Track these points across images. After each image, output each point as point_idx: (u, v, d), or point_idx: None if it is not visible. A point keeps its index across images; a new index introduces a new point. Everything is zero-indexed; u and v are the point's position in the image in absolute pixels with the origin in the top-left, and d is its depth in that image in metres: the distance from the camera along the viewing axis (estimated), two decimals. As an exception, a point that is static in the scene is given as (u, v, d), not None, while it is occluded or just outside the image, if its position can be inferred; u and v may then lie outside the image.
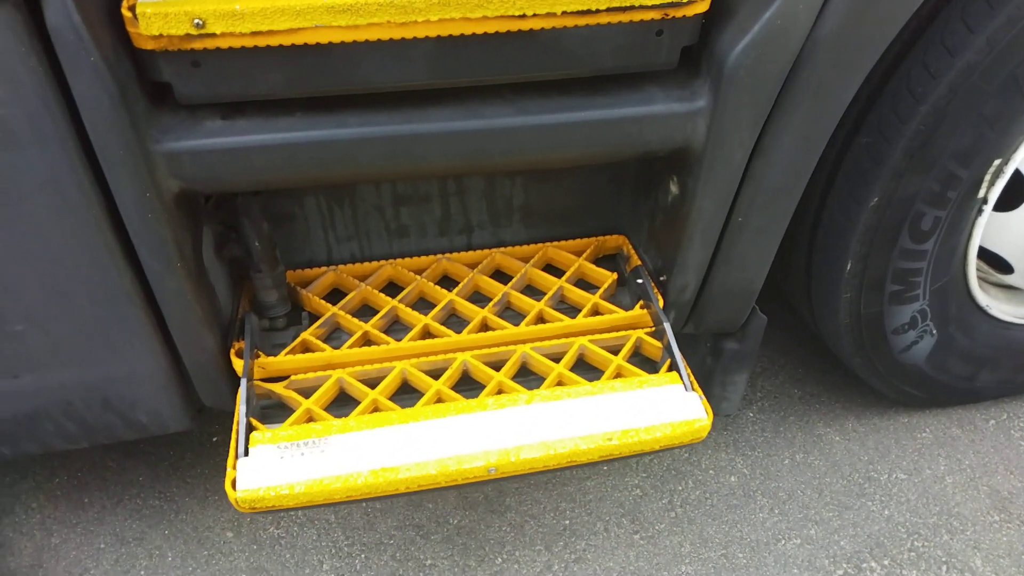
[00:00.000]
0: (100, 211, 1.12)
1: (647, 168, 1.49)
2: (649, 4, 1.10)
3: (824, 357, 2.19)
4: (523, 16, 1.08)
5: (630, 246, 1.63)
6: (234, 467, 1.21)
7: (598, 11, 1.10)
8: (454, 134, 1.18)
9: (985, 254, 1.69)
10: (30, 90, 0.99)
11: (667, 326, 1.42)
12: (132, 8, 1.01)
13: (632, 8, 1.10)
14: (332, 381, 1.36)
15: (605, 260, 1.66)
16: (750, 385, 2.14)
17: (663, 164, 1.40)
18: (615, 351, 1.44)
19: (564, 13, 1.09)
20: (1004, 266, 1.70)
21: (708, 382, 1.70)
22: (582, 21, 1.11)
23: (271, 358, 1.38)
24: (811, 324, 1.84)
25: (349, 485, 1.19)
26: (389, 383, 1.36)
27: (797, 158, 1.28)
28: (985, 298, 1.75)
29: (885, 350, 1.72)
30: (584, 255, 1.60)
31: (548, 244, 1.63)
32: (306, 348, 1.42)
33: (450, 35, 1.09)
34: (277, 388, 1.36)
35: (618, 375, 1.40)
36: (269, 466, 1.21)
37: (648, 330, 1.48)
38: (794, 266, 1.72)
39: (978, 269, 1.76)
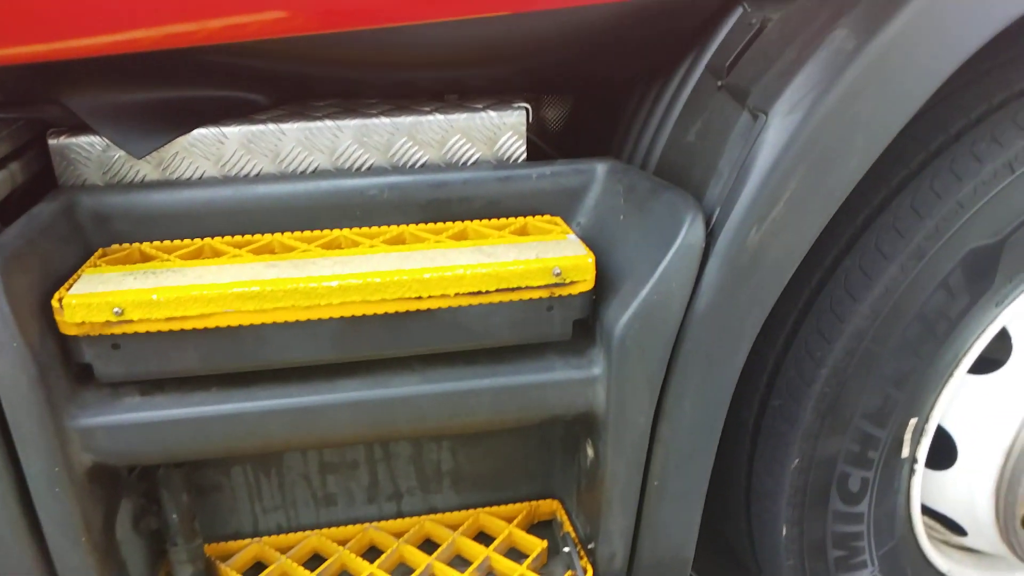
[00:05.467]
0: (7, 485, 1.15)
1: (571, 430, 1.52)
2: (535, 285, 1.21)
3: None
4: (419, 298, 1.18)
5: (564, 512, 1.60)
6: None
7: (488, 292, 1.20)
8: (361, 403, 1.24)
9: (937, 514, 1.65)
10: (-47, 377, 1.07)
11: (591, 601, 1.36)
12: (60, 299, 1.13)
13: (520, 288, 1.21)
14: (236, 666, 1.29)
15: (541, 526, 1.63)
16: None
17: (580, 427, 1.43)
18: (540, 628, 1.36)
19: (457, 295, 1.19)
20: (957, 527, 1.64)
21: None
22: (475, 300, 1.21)
23: (176, 640, 1.32)
24: (770, 593, 1.74)
25: None
26: (295, 667, 1.29)
27: (701, 422, 1.31)
28: (946, 563, 1.67)
29: (846, 622, 1.61)
30: (515, 522, 1.58)
31: (481, 510, 1.61)
32: (215, 628, 1.36)
33: (353, 315, 1.18)
34: (177, 674, 1.29)
35: (543, 656, 1.32)
36: None
37: (577, 604, 1.41)
38: (737, 532, 1.67)
39: (933, 530, 1.71)
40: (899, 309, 1.36)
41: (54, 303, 1.13)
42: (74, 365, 1.19)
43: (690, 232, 1.18)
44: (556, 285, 1.22)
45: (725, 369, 1.28)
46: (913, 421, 1.46)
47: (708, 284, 1.21)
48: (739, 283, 1.22)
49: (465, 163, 1.45)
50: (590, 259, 1.23)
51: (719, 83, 1.38)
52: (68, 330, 1.14)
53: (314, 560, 1.52)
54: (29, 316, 1.11)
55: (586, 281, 1.23)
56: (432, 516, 1.59)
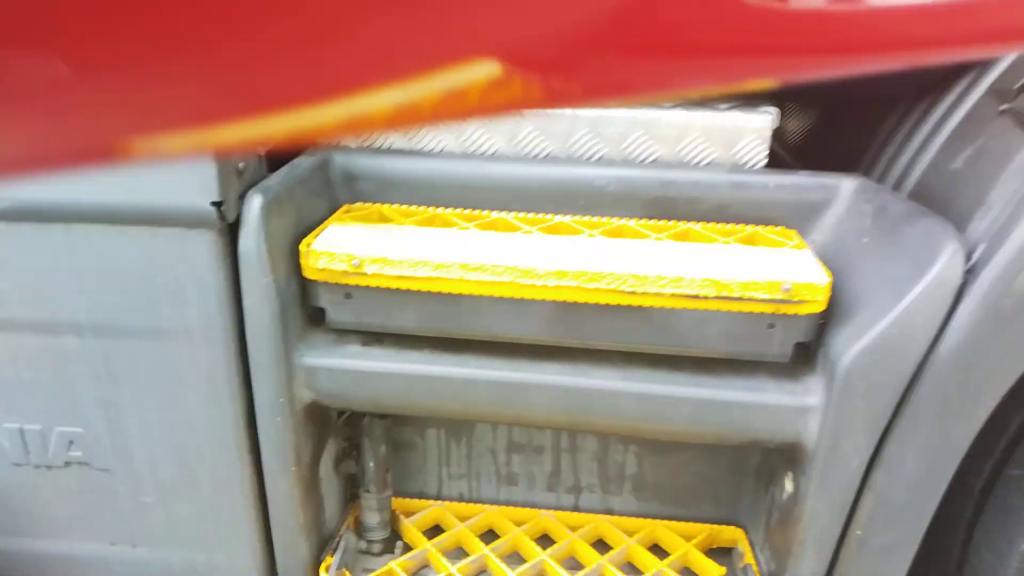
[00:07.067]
0: (239, 407, 1.27)
1: (768, 458, 1.44)
2: (759, 297, 1.15)
3: None
4: (633, 292, 1.16)
5: (747, 542, 1.52)
6: None
7: (707, 297, 1.15)
8: (559, 388, 1.24)
9: None
10: (213, 298, 1.20)
11: (768, 640, 1.28)
12: (309, 245, 1.22)
13: (742, 299, 1.15)
14: (405, 618, 1.34)
15: (719, 552, 1.55)
16: None
17: (780, 457, 1.34)
18: (708, 657, 1.30)
19: (674, 295, 1.16)
20: None
21: None
22: (691, 304, 1.16)
23: (355, 580, 1.40)
24: None
25: None
26: (459, 634, 1.32)
27: (924, 476, 1.18)
28: None
29: None
30: (694, 541, 1.51)
31: (659, 522, 1.56)
32: (391, 578, 1.43)
33: (566, 301, 1.19)
34: (352, 612, 1.36)
35: None
36: None
37: (749, 640, 1.33)
38: (943, 606, 1.50)
39: None
40: None
41: (302, 248, 1.23)
42: (309, 308, 1.29)
43: (948, 265, 1.07)
44: (783, 302, 1.15)
45: (962, 424, 1.14)
46: None
47: (959, 326, 1.09)
48: (997, 330, 1.08)
49: (699, 163, 1.41)
50: (826, 279, 1.15)
51: (1002, 107, 1.23)
52: (310, 274, 1.24)
53: (488, 535, 1.56)
54: (279, 257, 1.22)
55: (818, 302, 1.15)
56: (608, 517, 1.57)
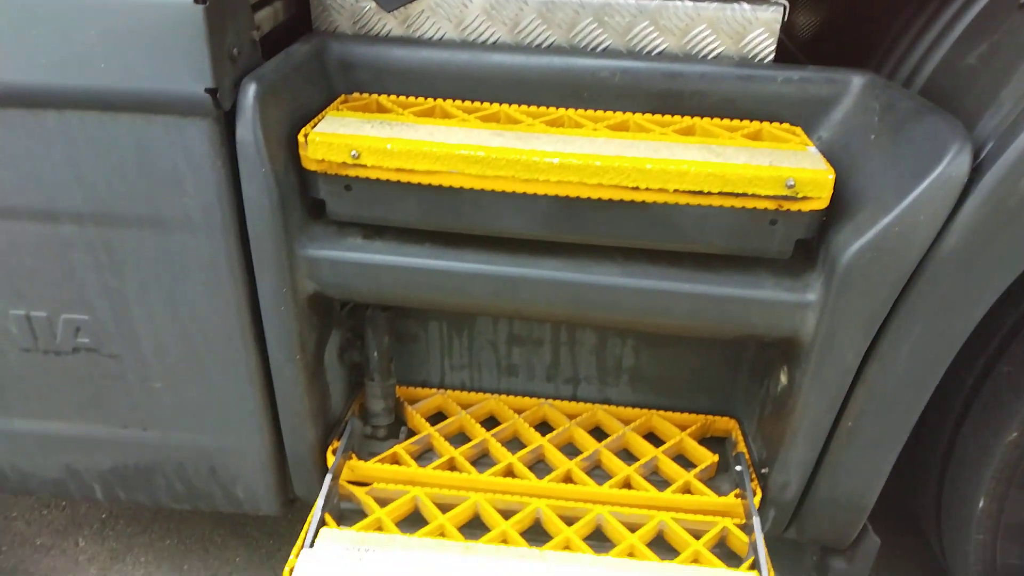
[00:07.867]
0: (243, 297, 1.28)
1: (763, 352, 1.47)
2: (763, 194, 1.14)
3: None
4: (636, 188, 1.15)
5: (740, 432, 1.57)
6: (296, 556, 1.27)
7: (710, 193, 1.14)
8: (559, 283, 1.25)
9: None
10: (211, 187, 1.19)
11: (756, 521, 1.34)
12: (306, 135, 1.20)
13: (745, 196, 1.14)
14: (408, 497, 1.40)
15: (713, 442, 1.61)
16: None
17: (776, 351, 1.37)
18: (697, 535, 1.36)
19: (677, 191, 1.15)
20: None
21: (809, 601, 1.55)
22: (695, 200, 1.16)
23: (361, 462, 1.45)
24: (944, 566, 1.63)
25: (393, 604, 1.20)
26: (460, 512, 1.38)
27: (916, 371, 1.21)
28: None
29: (1028, 615, 1.49)
30: (688, 431, 1.56)
31: (654, 412, 1.61)
32: (395, 460, 1.48)
33: (567, 196, 1.18)
34: (358, 492, 1.42)
35: (695, 561, 1.32)
36: (328, 562, 1.25)
37: (738, 522, 1.39)
38: (925, 494, 1.56)
39: None
40: None
41: (300, 138, 1.21)
42: (309, 200, 1.28)
43: (953, 163, 1.05)
44: (786, 198, 1.14)
45: (959, 320, 1.16)
46: None
47: (962, 223, 1.08)
48: (1000, 228, 1.08)
49: (706, 56, 1.37)
50: (830, 175, 1.13)
51: (1021, 2, 1.18)
52: (309, 165, 1.22)
53: (489, 421, 1.61)
54: (277, 147, 1.20)
55: (820, 199, 1.14)
56: (605, 406, 1.61)
